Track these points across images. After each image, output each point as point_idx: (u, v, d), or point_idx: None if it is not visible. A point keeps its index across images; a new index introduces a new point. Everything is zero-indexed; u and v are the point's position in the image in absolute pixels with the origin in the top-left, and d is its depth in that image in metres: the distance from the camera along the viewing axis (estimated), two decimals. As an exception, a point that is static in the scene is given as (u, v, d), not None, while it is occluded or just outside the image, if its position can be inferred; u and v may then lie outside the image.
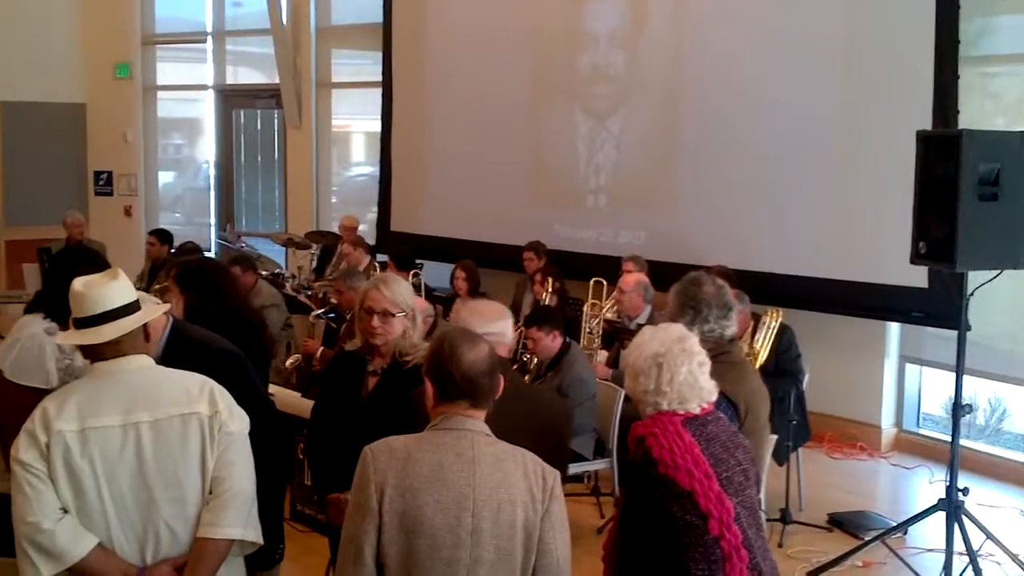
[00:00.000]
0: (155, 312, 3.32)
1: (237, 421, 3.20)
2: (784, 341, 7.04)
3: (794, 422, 6.66)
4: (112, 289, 3.15)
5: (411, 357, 4.02)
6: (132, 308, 3.18)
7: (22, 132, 13.91)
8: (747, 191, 8.96)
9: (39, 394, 3.93)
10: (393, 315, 4.04)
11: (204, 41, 14.38)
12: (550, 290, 8.54)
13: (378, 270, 9.42)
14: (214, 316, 4.30)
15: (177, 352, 3.72)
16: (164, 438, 3.09)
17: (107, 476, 3.05)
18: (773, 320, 6.97)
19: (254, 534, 3.20)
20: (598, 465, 6.78)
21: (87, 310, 3.12)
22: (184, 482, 3.11)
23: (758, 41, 8.90)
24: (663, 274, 7.49)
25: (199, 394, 3.16)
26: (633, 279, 7.74)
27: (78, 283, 3.17)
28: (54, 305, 4.24)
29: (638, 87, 9.79)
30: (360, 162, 14.07)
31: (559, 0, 10.35)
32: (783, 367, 6.97)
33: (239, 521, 3.14)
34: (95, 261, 4.26)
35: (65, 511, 3.04)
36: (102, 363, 3.15)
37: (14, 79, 13.64)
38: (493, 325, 3.72)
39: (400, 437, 3.06)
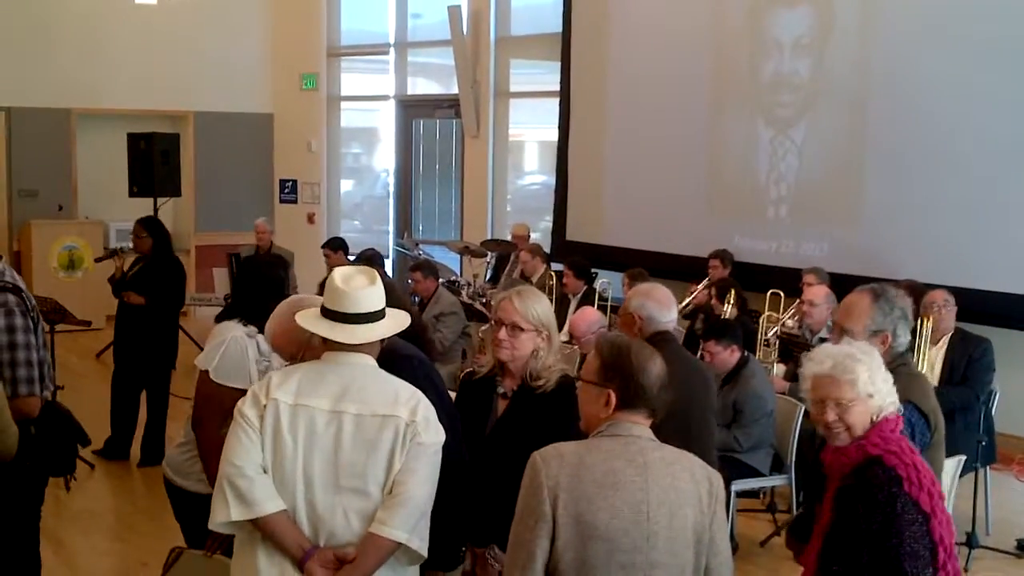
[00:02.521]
0: (401, 325, 3.42)
1: (432, 434, 3.26)
2: (979, 349, 6.82)
3: (983, 443, 6.41)
4: (369, 293, 3.31)
5: (544, 381, 3.88)
6: (380, 315, 3.34)
7: (213, 142, 14.50)
8: (938, 201, 8.66)
9: (240, 394, 4.15)
10: (522, 330, 3.88)
11: (387, 53, 14.68)
12: (731, 302, 8.38)
13: (554, 279, 9.43)
14: None
15: None
16: (362, 433, 3.20)
17: (305, 453, 3.20)
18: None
19: (419, 543, 3.24)
20: (775, 481, 6.66)
21: (344, 307, 3.28)
22: (369, 477, 3.20)
23: (950, 44, 8.59)
24: (847, 287, 7.23)
25: (406, 401, 3.26)
26: (823, 292, 7.56)
27: (338, 278, 3.32)
28: (247, 309, 4.39)
29: (823, 94, 9.56)
30: (533, 170, 14.14)
31: (742, 8, 10.19)
32: (971, 375, 6.74)
33: (407, 526, 3.19)
34: (280, 267, 4.40)
35: (264, 470, 3.21)
36: (335, 352, 3.30)
37: (206, 91, 14.25)
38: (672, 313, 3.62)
39: (567, 443, 3.10)
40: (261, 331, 4.26)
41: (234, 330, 4.34)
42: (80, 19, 13.29)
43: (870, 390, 3.26)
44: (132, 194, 12.28)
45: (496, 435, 3.80)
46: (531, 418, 3.43)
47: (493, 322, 4.01)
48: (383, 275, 4.81)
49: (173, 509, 4.57)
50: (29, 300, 4.28)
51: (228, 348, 4.28)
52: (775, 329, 8.00)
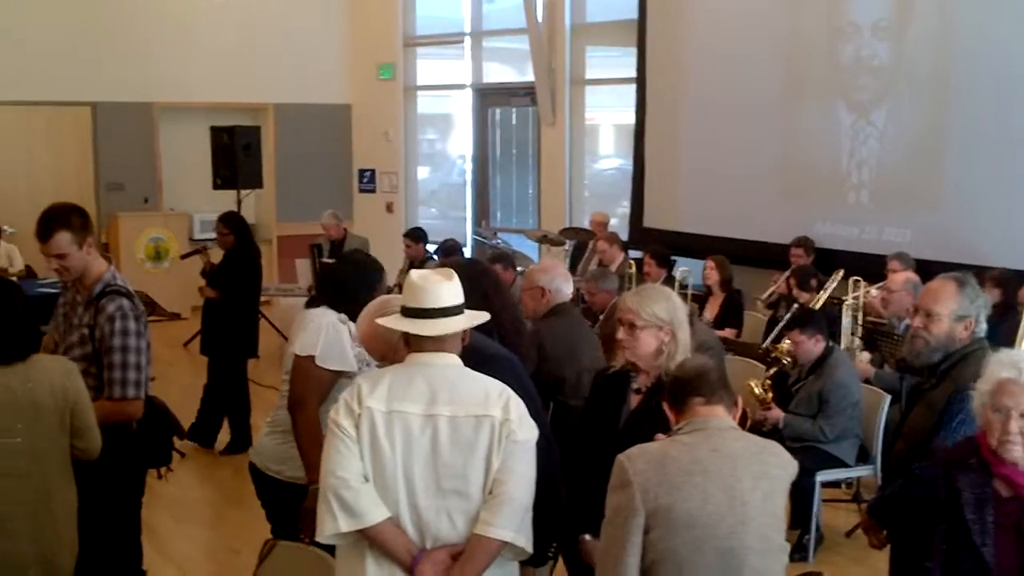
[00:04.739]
0: (480, 318, 3.48)
1: (526, 430, 3.29)
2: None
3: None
4: (446, 288, 3.35)
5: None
6: (459, 309, 3.38)
7: (293, 133, 14.67)
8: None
9: (335, 376, 4.33)
10: (638, 327, 3.83)
11: (462, 41, 14.71)
12: (815, 290, 8.30)
13: (633, 268, 9.41)
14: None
15: None
16: (458, 434, 3.24)
17: (403, 458, 3.24)
18: None
19: (524, 540, 3.29)
20: (861, 472, 6.60)
21: (423, 303, 3.32)
22: (469, 478, 3.24)
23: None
24: (932, 273, 7.13)
25: (496, 399, 3.28)
26: (902, 277, 7.43)
27: (415, 276, 3.37)
28: (336, 299, 4.50)
29: (904, 78, 9.42)
30: (608, 155, 14.10)
31: (819, -10, 10.09)
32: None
33: (512, 525, 3.23)
34: (375, 268, 4.52)
35: (366, 479, 3.25)
36: (419, 354, 3.34)
37: (286, 83, 14.41)
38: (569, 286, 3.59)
39: (649, 443, 3.19)
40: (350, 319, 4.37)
41: (327, 316, 4.44)
42: (162, 15, 13.51)
43: None
44: (216, 186, 12.48)
45: (627, 430, 3.77)
46: (660, 415, 3.44)
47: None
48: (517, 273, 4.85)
49: (262, 497, 4.63)
50: (139, 304, 4.43)
51: (328, 333, 4.37)
52: (855, 314, 7.91)
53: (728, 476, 3.06)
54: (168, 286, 11.93)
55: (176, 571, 6.20)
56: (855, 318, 7.79)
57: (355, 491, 3.21)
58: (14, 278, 8.72)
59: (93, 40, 13.29)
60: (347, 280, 4.60)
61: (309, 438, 4.26)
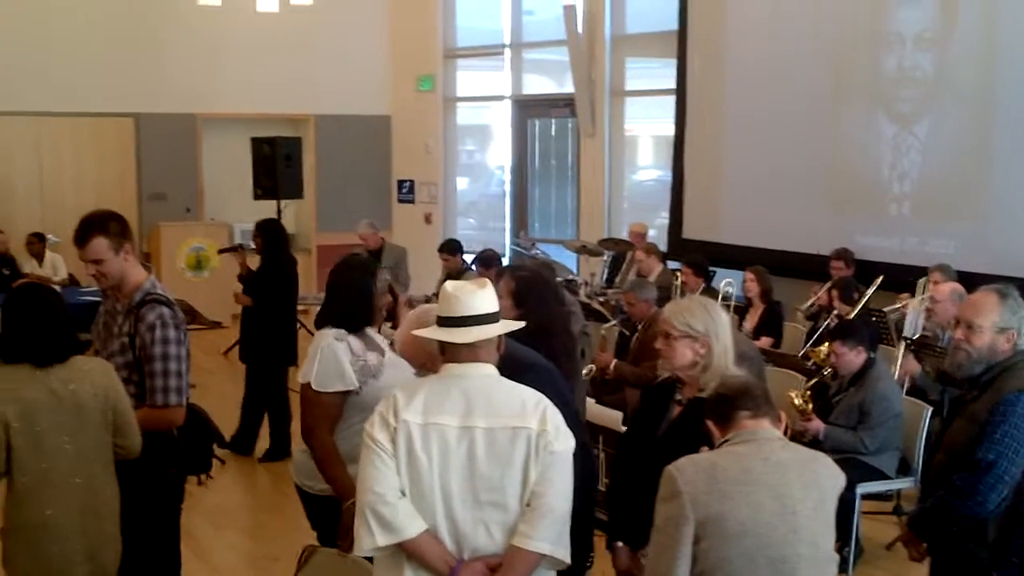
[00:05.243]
0: (513, 326, 3.48)
1: (563, 441, 3.28)
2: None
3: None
4: (480, 297, 3.34)
5: (706, 392, 3.71)
6: (494, 318, 3.37)
7: (333, 144, 14.79)
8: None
9: (342, 396, 4.29)
10: (673, 337, 3.80)
11: (502, 53, 14.75)
12: (857, 303, 8.24)
13: (678, 279, 9.38)
14: (533, 330, 4.27)
15: None
16: (495, 446, 3.23)
17: (440, 470, 3.23)
18: None
19: (564, 552, 3.28)
20: (901, 484, 6.54)
21: (455, 311, 3.32)
22: (507, 490, 3.24)
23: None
24: (974, 286, 7.05)
25: (533, 409, 3.28)
26: (948, 288, 7.34)
27: (449, 286, 3.38)
28: (334, 315, 4.49)
29: (947, 89, 9.34)
30: (647, 166, 14.08)
31: (861, 1, 10.01)
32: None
33: (551, 537, 3.23)
34: (365, 272, 4.51)
35: (403, 493, 3.24)
36: (455, 365, 3.34)
37: (326, 94, 14.53)
38: None
39: (698, 455, 3.21)
40: (351, 331, 4.39)
41: (325, 338, 4.42)
42: (204, 27, 13.63)
43: None
44: (256, 197, 12.59)
45: (664, 441, 3.77)
46: (698, 427, 3.44)
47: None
48: (555, 288, 4.82)
49: (305, 511, 4.67)
50: (179, 313, 4.46)
51: (322, 357, 4.36)
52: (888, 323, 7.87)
53: (779, 485, 3.08)
54: (209, 295, 12.02)
55: (215, 577, 6.24)
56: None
57: (392, 506, 3.22)
58: (57, 287, 8.83)
59: (137, 52, 13.48)
60: (335, 291, 4.57)
61: (327, 464, 4.31)
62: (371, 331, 4.54)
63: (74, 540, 4.02)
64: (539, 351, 4.04)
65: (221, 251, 10.84)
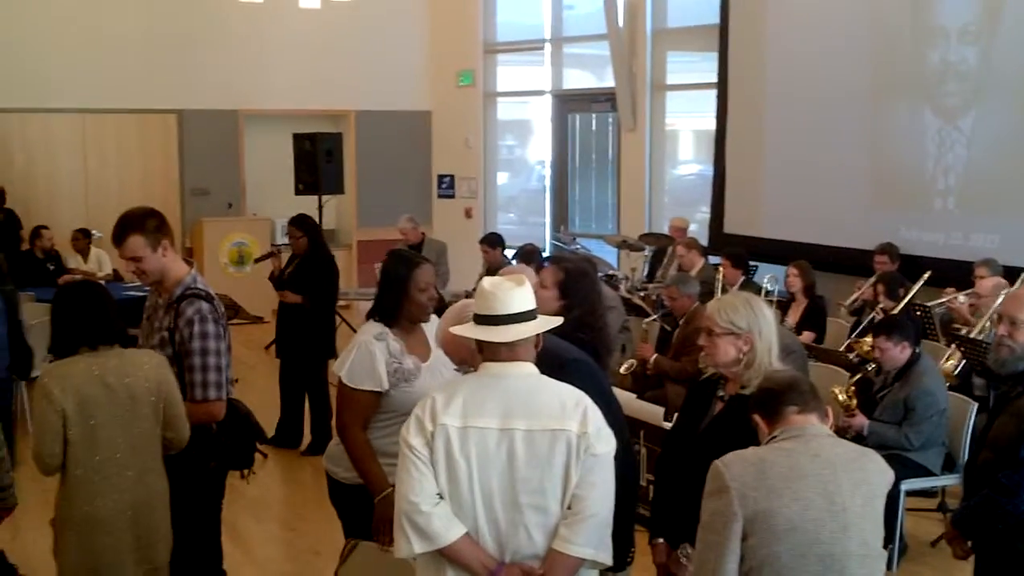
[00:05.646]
0: (552, 323, 3.43)
1: (604, 443, 3.25)
2: None
3: None
4: (517, 295, 3.30)
5: (749, 389, 3.67)
6: (531, 315, 3.32)
7: (374, 139, 14.83)
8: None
9: (373, 396, 4.24)
10: (715, 334, 3.75)
11: (542, 48, 14.73)
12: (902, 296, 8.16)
13: (721, 274, 9.33)
14: (576, 322, 4.23)
15: None
16: (534, 449, 3.20)
17: (480, 473, 3.21)
18: None
19: (605, 556, 3.27)
20: (946, 480, 6.49)
21: (493, 309, 3.28)
22: (547, 493, 3.21)
23: None
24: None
25: (573, 410, 3.24)
26: (991, 283, 7.28)
27: (487, 284, 3.34)
28: (378, 308, 4.48)
29: (992, 83, 9.24)
30: (687, 160, 14.01)
31: (905, -6, 9.94)
32: None
33: (592, 542, 3.21)
34: (401, 265, 4.47)
35: (441, 497, 3.22)
36: (493, 364, 3.30)
37: (367, 90, 14.59)
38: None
39: (746, 450, 3.16)
40: (390, 325, 4.36)
41: (365, 333, 4.40)
42: (246, 24, 13.72)
43: None
44: (298, 192, 12.66)
45: (705, 436, 3.73)
46: (738, 424, 3.41)
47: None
48: (598, 283, 4.81)
49: (332, 499, 4.67)
50: (219, 307, 4.48)
51: (357, 353, 4.33)
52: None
53: (828, 482, 3.05)
54: (251, 290, 12.06)
55: (257, 571, 6.27)
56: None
57: (427, 515, 3.19)
58: (102, 282, 8.90)
59: (180, 50, 13.57)
60: (379, 283, 4.53)
61: (360, 459, 4.30)
62: (426, 327, 4.47)
63: (125, 533, 4.07)
64: (579, 345, 4.01)
65: (257, 260, 10.78)
